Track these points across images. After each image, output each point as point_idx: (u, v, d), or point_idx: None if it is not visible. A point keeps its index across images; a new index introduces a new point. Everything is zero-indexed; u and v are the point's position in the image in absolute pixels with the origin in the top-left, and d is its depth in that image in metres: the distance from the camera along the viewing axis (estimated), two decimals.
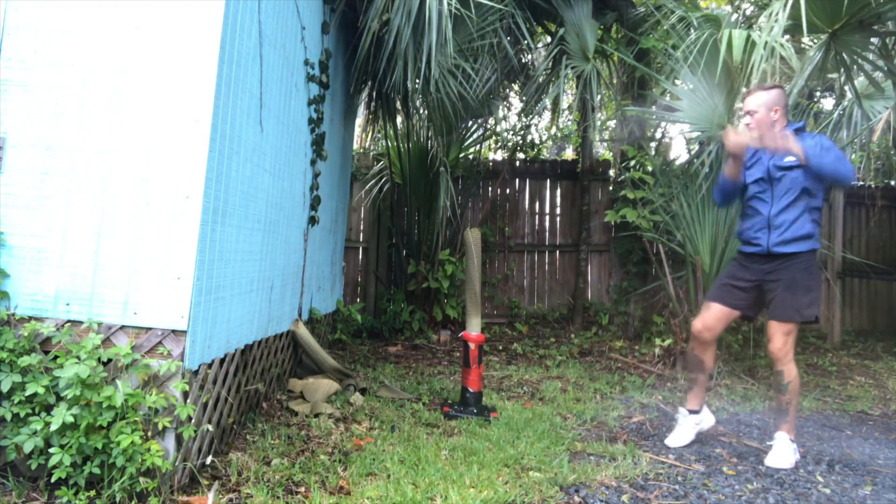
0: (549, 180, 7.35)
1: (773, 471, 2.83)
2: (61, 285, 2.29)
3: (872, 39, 3.97)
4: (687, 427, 3.20)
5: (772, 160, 3.01)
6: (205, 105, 2.33)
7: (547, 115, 7.73)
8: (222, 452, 2.66)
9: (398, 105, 5.59)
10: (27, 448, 2.08)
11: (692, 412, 3.20)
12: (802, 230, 2.91)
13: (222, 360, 2.68)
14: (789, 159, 2.91)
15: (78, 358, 2.11)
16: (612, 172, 7.25)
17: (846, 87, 4.42)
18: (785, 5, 3.68)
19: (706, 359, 3.18)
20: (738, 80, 4.10)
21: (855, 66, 4.10)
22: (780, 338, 2.93)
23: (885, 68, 4.14)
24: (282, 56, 3.26)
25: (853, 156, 6.11)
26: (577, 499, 2.43)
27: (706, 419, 3.24)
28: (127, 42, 2.36)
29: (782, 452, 2.92)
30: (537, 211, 7.35)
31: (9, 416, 2.14)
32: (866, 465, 2.99)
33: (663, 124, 6.26)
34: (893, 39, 4.24)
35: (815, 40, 4.25)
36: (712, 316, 3.13)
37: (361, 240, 6.96)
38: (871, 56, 4.11)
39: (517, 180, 7.33)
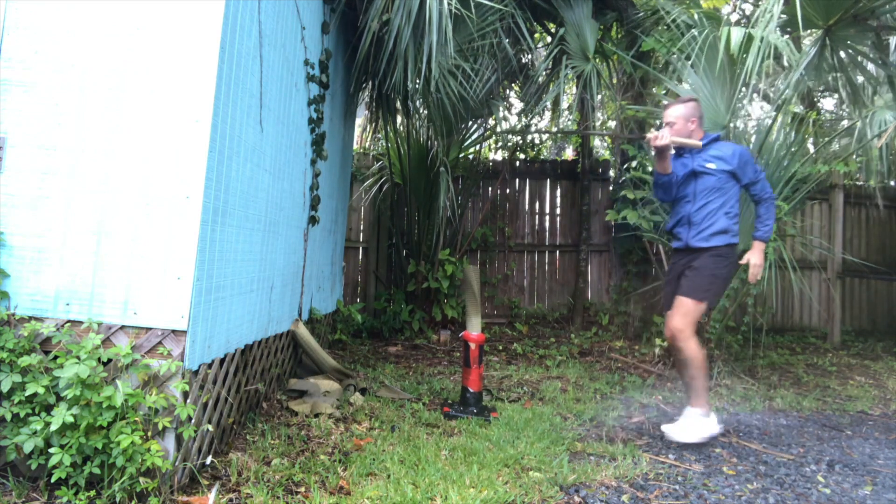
0: (549, 180, 7.35)
1: (771, 470, 2.83)
2: (61, 285, 2.29)
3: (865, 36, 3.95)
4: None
5: (694, 163, 3.25)
6: (205, 105, 2.34)
7: (547, 115, 7.72)
8: (222, 452, 2.66)
9: (398, 105, 5.58)
10: (27, 448, 2.08)
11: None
12: (716, 226, 3.17)
13: (222, 360, 2.68)
14: (709, 165, 3.20)
15: (78, 358, 2.11)
16: (612, 172, 7.25)
17: (857, 89, 4.41)
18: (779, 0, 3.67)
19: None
20: (739, 78, 4.09)
21: (851, 62, 4.09)
22: (679, 317, 3.14)
23: (880, 62, 4.12)
24: (282, 56, 3.26)
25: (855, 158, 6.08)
26: (577, 499, 2.43)
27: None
28: (127, 42, 2.36)
29: (684, 425, 3.08)
30: (537, 211, 7.35)
31: (9, 416, 2.14)
32: (866, 465, 2.99)
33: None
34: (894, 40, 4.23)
35: (812, 36, 4.24)
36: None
37: (361, 240, 6.96)
38: (868, 52, 4.10)
39: (517, 180, 7.33)
